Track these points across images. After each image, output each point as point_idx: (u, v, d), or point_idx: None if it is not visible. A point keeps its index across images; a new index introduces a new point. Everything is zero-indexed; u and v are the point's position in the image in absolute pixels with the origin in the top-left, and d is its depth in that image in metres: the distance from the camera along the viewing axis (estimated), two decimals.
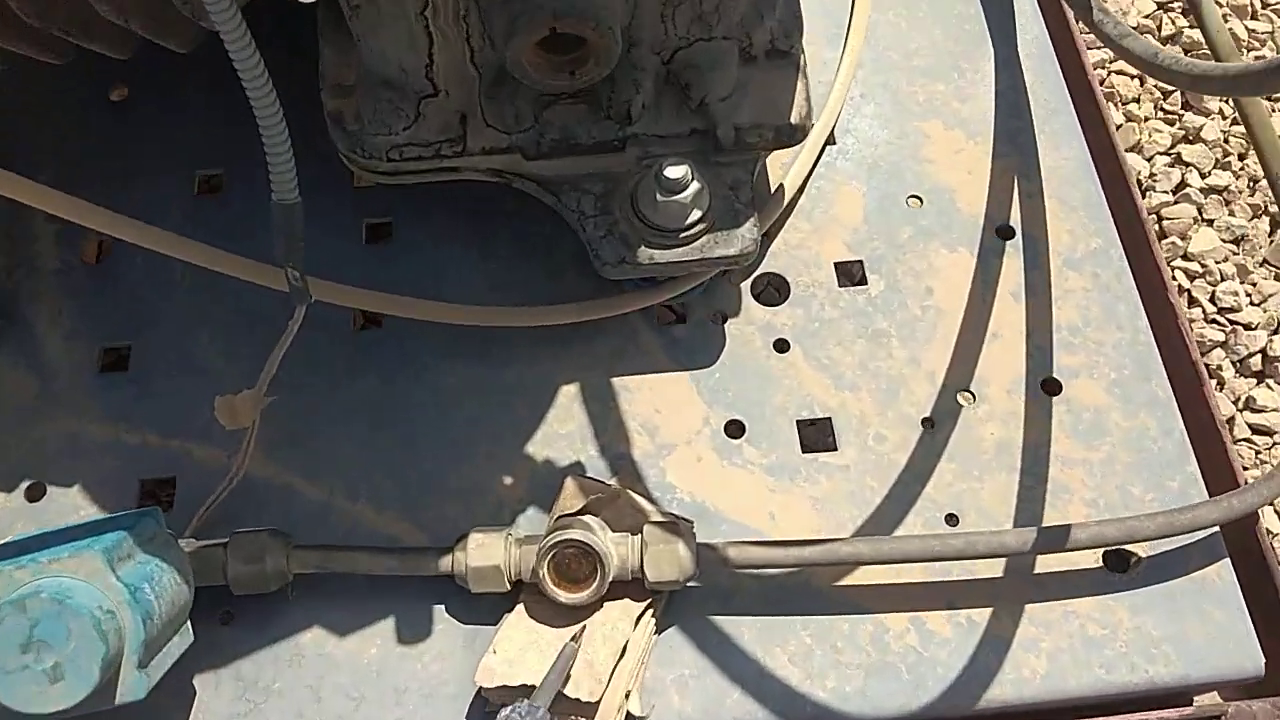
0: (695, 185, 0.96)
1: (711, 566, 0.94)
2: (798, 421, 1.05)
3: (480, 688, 0.90)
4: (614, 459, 1.03)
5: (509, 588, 0.93)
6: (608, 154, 1.01)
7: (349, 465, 1.03)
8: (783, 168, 1.15)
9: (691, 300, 1.11)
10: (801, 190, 1.15)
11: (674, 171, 0.95)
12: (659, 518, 0.96)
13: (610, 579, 0.91)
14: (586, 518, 0.95)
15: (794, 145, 1.03)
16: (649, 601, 0.94)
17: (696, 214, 0.98)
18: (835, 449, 1.04)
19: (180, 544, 0.91)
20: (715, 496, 1.01)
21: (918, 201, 1.16)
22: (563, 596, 0.91)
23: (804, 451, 1.04)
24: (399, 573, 0.94)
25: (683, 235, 0.98)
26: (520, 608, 0.95)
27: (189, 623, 0.88)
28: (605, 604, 0.94)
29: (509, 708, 0.80)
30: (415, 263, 1.12)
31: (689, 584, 0.95)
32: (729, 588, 0.98)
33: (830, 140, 1.19)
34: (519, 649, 0.91)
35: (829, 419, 1.05)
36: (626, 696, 0.91)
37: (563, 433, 1.05)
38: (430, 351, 1.08)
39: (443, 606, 0.97)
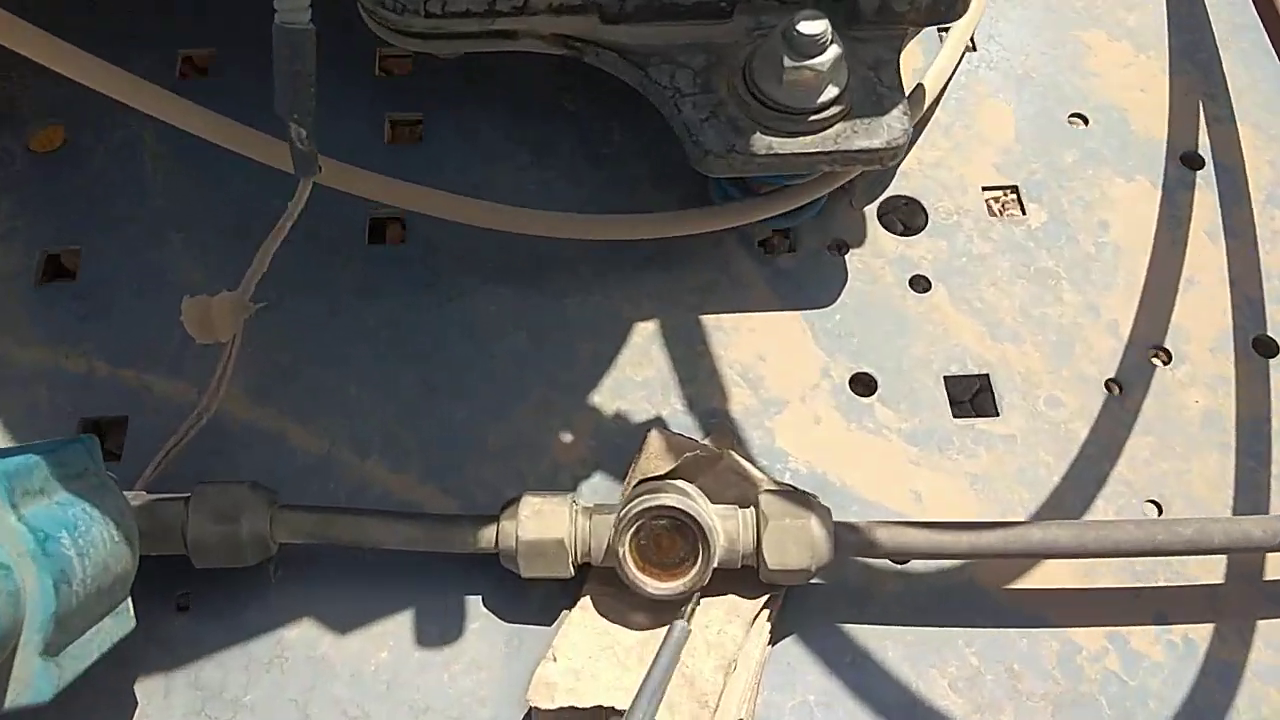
0: (834, 50, 0.73)
1: (850, 554, 0.69)
2: (945, 378, 0.81)
3: (533, 709, 0.65)
4: (705, 416, 0.79)
5: (572, 573, 0.68)
6: (710, 21, 0.78)
7: (358, 410, 0.78)
8: (913, 74, 0.92)
9: (800, 229, 0.87)
10: (938, 100, 0.93)
11: (811, 26, 0.72)
12: (773, 488, 0.72)
13: (714, 564, 0.67)
14: (678, 483, 0.70)
15: (951, 20, 0.81)
16: (766, 598, 0.69)
17: (832, 91, 0.74)
18: (996, 414, 0.80)
19: (126, 496, 0.66)
20: (841, 468, 0.77)
21: (1081, 121, 0.94)
22: (650, 586, 0.66)
23: (956, 416, 0.79)
24: (422, 547, 0.69)
25: (812, 120, 0.75)
26: (586, 602, 0.69)
27: (129, 602, 0.63)
28: (703, 600, 0.69)
29: None
30: (449, 169, 0.88)
31: (813, 580, 0.70)
32: (862, 587, 0.73)
33: (970, 47, 0.97)
34: (587, 656, 0.66)
35: (986, 375, 0.81)
36: None
37: (638, 380, 0.80)
38: (467, 271, 0.84)
39: (479, 598, 0.72)
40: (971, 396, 0.81)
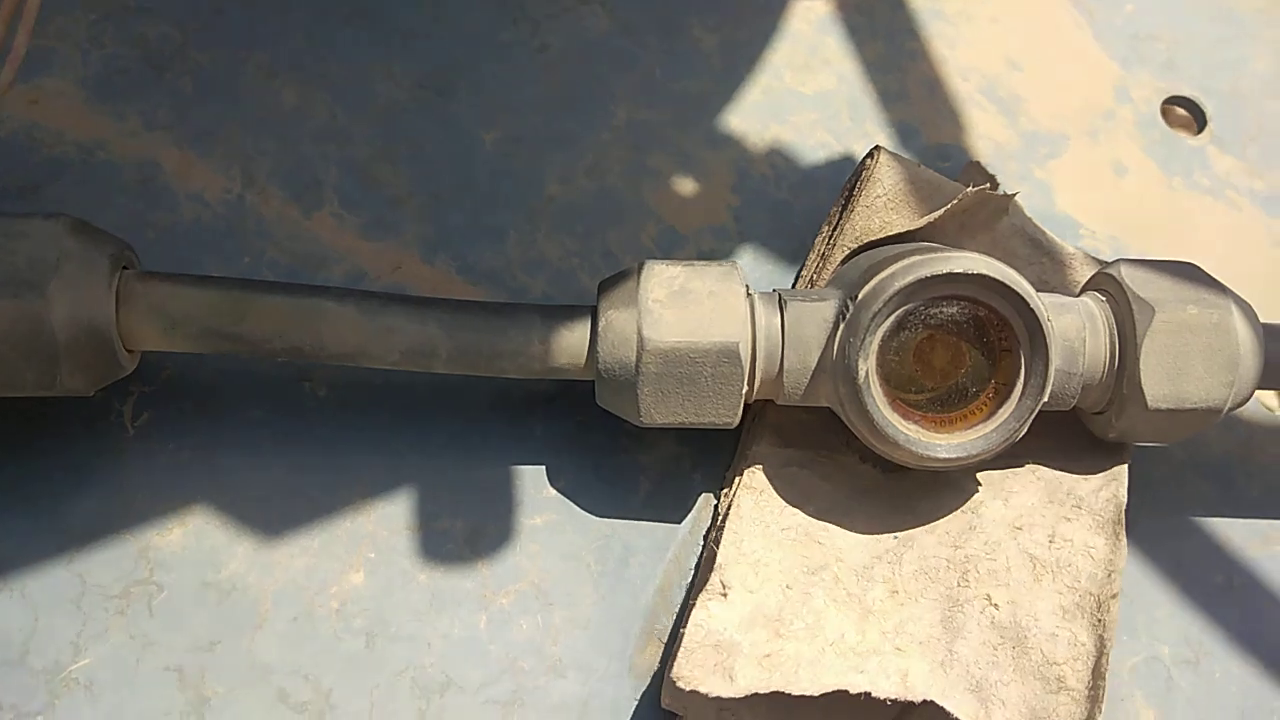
0: None
1: None
2: None
3: (675, 692, 0.31)
4: (930, 157, 0.45)
5: (738, 418, 0.34)
6: None
7: (299, 127, 0.42)
8: None
9: None
10: None
11: None
12: (1083, 260, 0.39)
13: (1046, 396, 0.33)
14: (937, 247, 0.36)
15: None
16: (1124, 470, 0.36)
17: None
18: None
19: None
20: (1170, 248, 0.44)
21: None
22: (922, 443, 0.33)
23: None
24: (439, 366, 0.34)
25: None
26: (757, 478, 0.36)
27: None
28: (988, 474, 0.36)
29: None
30: None
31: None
32: (1229, 454, 0.41)
33: None
34: (783, 586, 0.33)
35: None
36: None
37: (806, 93, 0.46)
38: None
39: (541, 470, 0.38)
40: None
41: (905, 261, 0.33)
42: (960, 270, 0.32)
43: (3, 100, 0.39)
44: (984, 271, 0.32)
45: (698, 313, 0.33)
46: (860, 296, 0.33)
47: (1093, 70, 0.48)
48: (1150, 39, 0.49)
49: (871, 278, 0.33)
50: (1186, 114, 0.48)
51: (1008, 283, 0.32)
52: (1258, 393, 0.42)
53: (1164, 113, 0.47)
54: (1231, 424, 0.41)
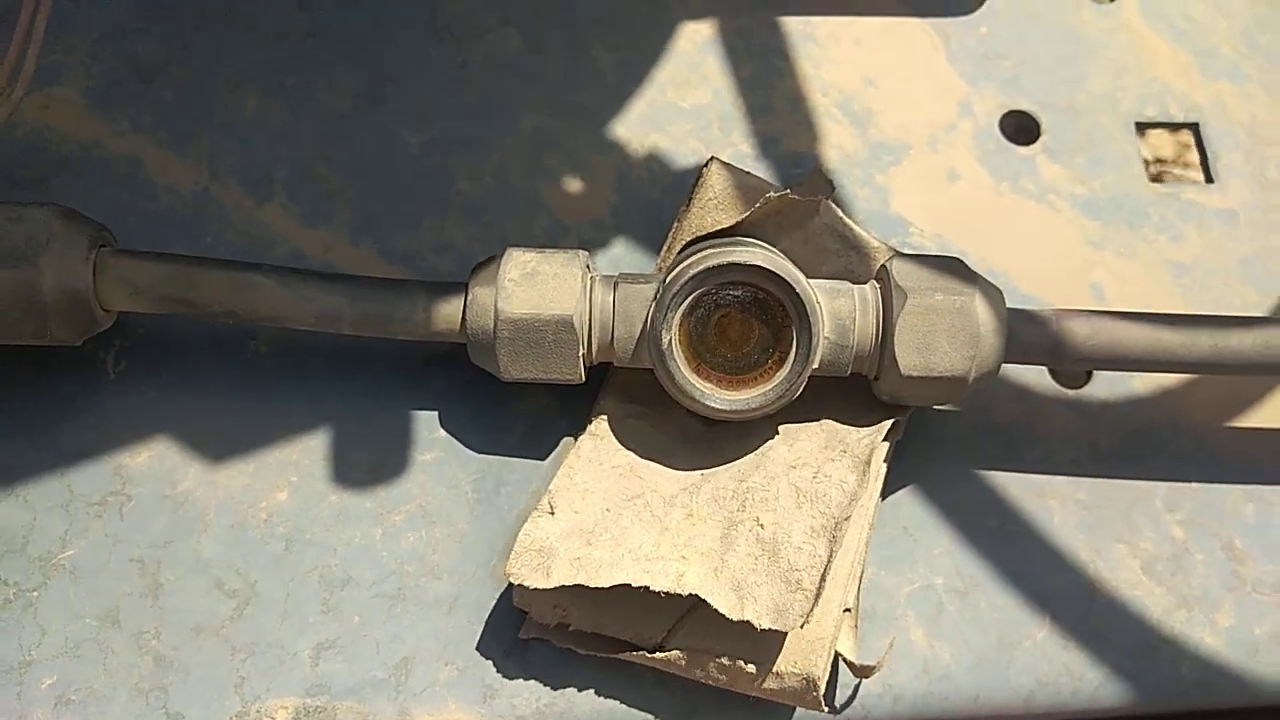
0: None
1: (1027, 358, 0.44)
2: (1139, 125, 0.55)
3: (515, 587, 0.40)
4: (785, 163, 0.52)
5: (583, 378, 0.43)
6: None
7: (256, 129, 0.52)
8: None
9: None
10: None
11: None
12: (886, 253, 0.46)
13: (814, 364, 0.41)
14: (745, 241, 0.44)
15: None
16: (888, 426, 0.44)
17: None
18: (1209, 179, 0.54)
19: None
20: (987, 247, 0.51)
21: None
22: (712, 397, 0.41)
23: (1153, 180, 0.54)
24: (347, 329, 0.43)
25: None
26: (601, 426, 0.44)
27: None
28: (785, 427, 0.44)
29: None
30: None
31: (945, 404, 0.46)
32: (1015, 420, 0.48)
33: None
34: (603, 509, 0.41)
35: (1195, 125, 0.55)
36: (847, 615, 0.41)
37: (685, 107, 0.54)
38: None
39: (434, 415, 0.47)
40: (1174, 156, 0.56)
41: (703, 254, 0.41)
42: (739, 261, 0.40)
43: (19, 108, 0.49)
44: (758, 263, 0.40)
45: (542, 290, 0.42)
46: (667, 281, 0.41)
47: (941, 87, 0.55)
48: (998, 58, 0.56)
49: (677, 265, 0.41)
50: (1021, 126, 0.55)
51: (778, 271, 0.40)
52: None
53: (1002, 125, 0.54)
54: (1022, 395, 0.49)
